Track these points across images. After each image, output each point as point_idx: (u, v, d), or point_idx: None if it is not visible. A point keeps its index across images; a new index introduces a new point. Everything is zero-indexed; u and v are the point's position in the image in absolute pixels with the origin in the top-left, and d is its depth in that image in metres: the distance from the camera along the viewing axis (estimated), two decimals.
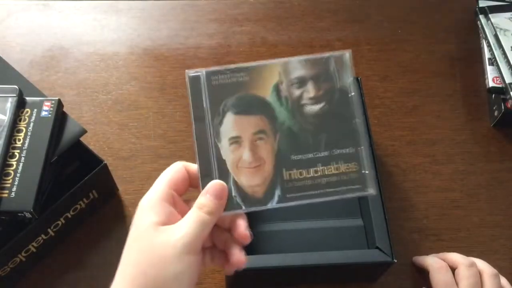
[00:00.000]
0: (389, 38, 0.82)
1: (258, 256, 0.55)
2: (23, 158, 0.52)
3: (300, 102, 0.43)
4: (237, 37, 0.81)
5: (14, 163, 0.52)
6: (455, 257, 0.58)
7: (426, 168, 0.70)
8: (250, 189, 0.41)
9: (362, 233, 0.61)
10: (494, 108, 0.74)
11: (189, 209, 0.40)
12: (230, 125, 0.42)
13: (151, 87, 0.75)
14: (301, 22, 0.83)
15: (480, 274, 0.56)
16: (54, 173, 0.57)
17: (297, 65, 0.43)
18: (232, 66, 0.43)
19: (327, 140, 0.42)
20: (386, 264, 0.55)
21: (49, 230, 0.57)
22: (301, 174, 0.42)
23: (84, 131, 0.57)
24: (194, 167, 0.42)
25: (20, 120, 0.54)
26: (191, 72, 0.43)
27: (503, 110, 0.71)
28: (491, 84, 0.73)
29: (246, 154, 0.42)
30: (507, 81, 0.70)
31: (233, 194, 0.41)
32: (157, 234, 0.38)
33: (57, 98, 0.56)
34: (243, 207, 0.41)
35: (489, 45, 0.75)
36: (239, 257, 0.41)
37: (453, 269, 0.57)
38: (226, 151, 0.42)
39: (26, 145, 0.53)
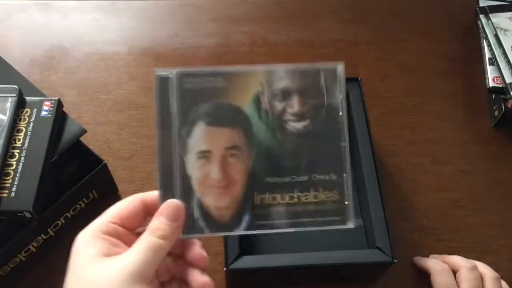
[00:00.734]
0: (389, 38, 0.82)
1: (258, 256, 0.55)
2: (23, 158, 0.52)
3: (282, 117, 0.38)
4: (237, 37, 0.81)
5: (14, 163, 0.52)
6: (457, 260, 0.58)
7: (426, 168, 0.70)
8: (216, 212, 0.37)
9: (362, 233, 0.61)
10: (494, 108, 0.74)
11: None
12: (200, 137, 0.37)
13: (151, 87, 0.74)
14: (301, 22, 0.83)
15: (481, 277, 0.56)
16: (54, 173, 0.57)
17: (282, 75, 0.38)
18: (209, 69, 0.37)
19: (308, 163, 0.37)
20: (386, 264, 0.55)
21: (49, 230, 0.57)
22: (274, 199, 0.37)
23: (84, 131, 0.57)
24: (152, 196, 0.37)
25: (20, 120, 0.54)
26: (160, 72, 0.37)
27: (503, 110, 0.71)
28: (491, 84, 0.73)
29: (215, 171, 0.37)
30: (507, 81, 0.70)
31: (195, 216, 0.36)
32: (99, 265, 0.33)
33: (57, 98, 0.56)
34: (205, 232, 0.36)
35: (489, 45, 0.75)
36: (201, 282, 0.36)
37: (454, 272, 0.57)
38: (193, 166, 0.36)
39: (26, 145, 0.53)
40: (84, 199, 0.59)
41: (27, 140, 0.53)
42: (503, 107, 0.71)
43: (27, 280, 0.59)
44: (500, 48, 0.73)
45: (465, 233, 0.65)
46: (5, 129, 0.53)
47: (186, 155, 0.37)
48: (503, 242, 0.65)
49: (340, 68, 0.39)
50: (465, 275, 0.55)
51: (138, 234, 0.36)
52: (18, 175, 0.51)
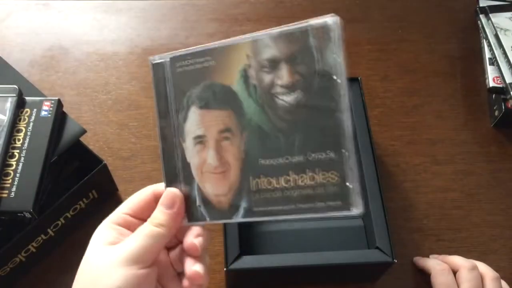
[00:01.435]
0: (389, 38, 0.82)
1: (258, 256, 0.55)
2: (22, 158, 0.52)
3: (271, 91, 0.34)
4: None
5: (14, 163, 0.52)
6: (457, 260, 0.58)
7: (426, 168, 0.70)
8: (215, 199, 0.36)
9: (362, 233, 0.61)
10: (494, 108, 0.74)
11: None
12: (195, 121, 0.36)
13: (151, 87, 0.75)
14: None
15: (481, 277, 0.56)
16: (54, 173, 0.57)
17: (268, 43, 0.34)
18: (196, 48, 0.35)
19: (302, 141, 0.33)
20: (386, 264, 0.55)
21: (49, 230, 0.57)
22: (269, 183, 0.34)
23: (84, 131, 0.57)
24: (162, 188, 0.38)
25: (19, 120, 0.54)
26: (155, 59, 0.36)
27: (503, 110, 0.71)
28: (491, 84, 0.73)
29: (211, 156, 0.36)
30: (507, 81, 0.70)
31: (198, 203, 0.36)
32: (102, 253, 0.35)
33: (56, 98, 0.56)
34: (208, 219, 0.36)
35: (489, 45, 0.75)
36: (192, 271, 0.36)
37: (454, 272, 0.57)
38: (191, 152, 0.36)
39: (25, 145, 0.53)
40: (84, 199, 0.59)
41: (27, 140, 0.53)
42: (503, 107, 0.71)
43: (27, 280, 0.59)
44: (500, 48, 0.73)
45: (465, 233, 0.65)
46: (5, 129, 0.53)
47: (185, 141, 0.36)
48: (503, 242, 0.65)
49: (332, 22, 0.32)
50: (465, 275, 0.55)
51: None
52: (18, 175, 0.51)
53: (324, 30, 0.33)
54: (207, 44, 0.35)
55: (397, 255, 0.54)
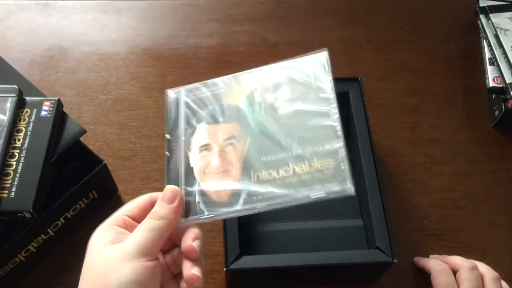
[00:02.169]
0: (389, 38, 0.82)
1: (258, 256, 0.55)
2: (22, 158, 0.52)
3: (274, 105, 0.41)
4: (237, 37, 0.81)
5: (14, 163, 0.52)
6: (457, 260, 0.58)
7: (426, 168, 0.70)
8: (215, 194, 0.39)
9: (362, 233, 0.61)
10: (494, 108, 0.74)
11: None
12: (202, 134, 0.41)
13: (151, 87, 0.75)
14: (301, 22, 0.83)
15: (481, 277, 0.56)
16: (54, 173, 0.57)
17: (272, 72, 0.42)
18: (209, 81, 0.43)
19: (301, 138, 0.40)
20: (386, 264, 0.55)
21: (49, 230, 0.57)
22: (270, 175, 0.39)
23: (84, 131, 0.57)
24: (159, 195, 0.40)
25: (19, 120, 0.54)
26: (172, 93, 0.43)
27: (503, 110, 0.71)
28: (491, 84, 0.73)
29: (214, 159, 0.40)
30: (507, 81, 0.70)
31: (197, 200, 0.39)
32: (105, 251, 0.36)
33: (56, 98, 0.56)
34: (206, 212, 0.39)
35: (489, 45, 0.75)
36: (190, 274, 0.37)
37: (454, 272, 0.57)
38: (196, 158, 0.41)
39: (26, 145, 0.53)
40: (84, 199, 0.59)
41: (27, 140, 0.53)
42: (503, 107, 0.71)
43: (27, 280, 0.59)
44: (500, 48, 0.73)
45: (465, 233, 0.65)
46: (5, 129, 0.53)
47: (191, 150, 0.41)
48: (503, 242, 0.65)
49: (324, 56, 0.42)
50: (465, 275, 0.55)
51: None
52: (18, 175, 0.51)
53: (318, 60, 0.42)
54: (219, 77, 0.43)
55: (397, 255, 0.54)
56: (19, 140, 0.53)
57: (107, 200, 0.64)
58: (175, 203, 0.38)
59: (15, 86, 0.55)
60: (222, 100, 0.42)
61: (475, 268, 0.56)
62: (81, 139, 0.58)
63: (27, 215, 0.50)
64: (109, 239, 0.37)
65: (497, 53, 0.73)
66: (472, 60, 0.80)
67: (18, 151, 0.52)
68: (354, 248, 0.59)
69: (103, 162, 0.58)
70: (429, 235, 0.65)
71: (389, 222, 0.57)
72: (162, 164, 0.66)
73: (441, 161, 0.71)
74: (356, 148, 0.63)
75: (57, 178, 0.58)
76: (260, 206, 0.38)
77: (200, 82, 0.43)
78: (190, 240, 0.38)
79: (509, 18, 0.76)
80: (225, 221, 0.56)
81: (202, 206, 0.39)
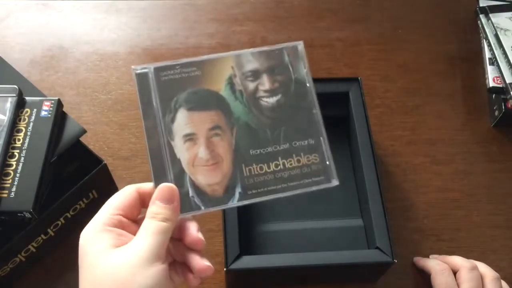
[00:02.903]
0: (389, 38, 0.82)
1: (258, 256, 0.55)
2: (22, 158, 0.52)
3: (255, 95, 0.41)
4: (237, 37, 0.81)
5: (14, 163, 0.52)
6: (457, 260, 0.58)
7: (426, 168, 0.70)
8: (209, 188, 0.39)
9: (362, 233, 0.61)
10: (494, 108, 0.74)
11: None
12: (183, 122, 0.39)
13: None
14: (301, 22, 0.83)
15: (481, 277, 0.56)
16: (54, 173, 0.57)
17: (250, 58, 0.41)
18: (182, 60, 0.41)
19: (287, 133, 0.41)
20: (386, 264, 0.55)
21: (49, 230, 0.57)
22: (261, 169, 0.40)
23: (84, 131, 0.57)
24: (147, 186, 0.39)
25: (19, 120, 0.54)
26: (138, 69, 0.40)
27: (503, 110, 0.71)
28: (491, 84, 0.73)
29: (202, 151, 0.39)
30: (507, 81, 0.70)
31: (190, 194, 0.38)
32: (114, 256, 0.35)
33: (56, 98, 0.56)
34: (202, 208, 0.38)
35: (489, 45, 0.75)
36: (201, 265, 0.38)
37: (454, 272, 0.57)
38: (181, 149, 0.39)
39: (25, 145, 0.53)
40: (84, 199, 0.59)
41: (27, 140, 0.53)
42: (503, 107, 0.71)
43: (27, 280, 0.59)
44: (500, 48, 0.73)
45: (465, 233, 0.65)
46: (5, 129, 0.53)
47: (173, 139, 0.39)
48: (503, 242, 0.65)
49: (301, 46, 0.42)
50: (465, 275, 0.55)
51: (138, 223, 0.39)
52: (18, 175, 0.51)
53: (295, 50, 0.42)
54: (192, 57, 0.41)
55: (397, 255, 0.54)
56: (19, 140, 0.53)
57: (107, 200, 0.64)
58: (175, 203, 0.37)
59: (15, 86, 0.55)
60: (200, 84, 0.40)
61: (475, 268, 0.56)
62: (81, 139, 0.58)
63: (27, 215, 0.50)
64: (110, 242, 0.36)
65: (497, 53, 0.73)
66: (472, 60, 0.80)
67: (18, 151, 0.52)
68: (354, 248, 0.59)
69: (103, 162, 0.58)
70: (429, 235, 0.65)
71: (389, 222, 0.57)
72: None
73: (441, 161, 0.71)
74: (356, 148, 0.63)
75: (57, 178, 0.58)
76: (255, 201, 0.39)
77: (172, 61, 0.41)
78: (195, 231, 0.38)
79: (509, 18, 0.76)
80: (225, 221, 0.56)
81: (197, 201, 0.39)
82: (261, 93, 0.41)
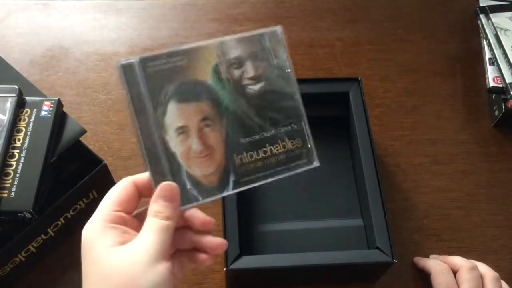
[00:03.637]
0: (389, 38, 0.82)
1: (258, 256, 0.55)
2: (22, 158, 0.52)
3: (241, 83, 0.42)
4: None
5: (14, 163, 0.52)
6: (457, 260, 0.58)
7: (426, 168, 0.70)
8: (204, 179, 0.40)
9: (362, 233, 0.61)
10: (494, 108, 0.74)
11: (142, 223, 0.37)
12: (174, 114, 0.39)
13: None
14: (301, 22, 0.83)
15: (481, 277, 0.56)
16: (54, 173, 0.57)
17: (232, 45, 0.42)
18: (167, 50, 0.40)
19: (272, 119, 0.42)
20: (386, 264, 0.55)
21: (49, 230, 0.57)
22: (251, 156, 0.41)
23: (84, 131, 0.57)
24: (143, 177, 0.40)
25: (19, 120, 0.54)
26: (123, 60, 0.39)
27: (503, 110, 0.71)
28: (491, 84, 0.73)
29: (195, 143, 0.40)
30: (507, 81, 0.70)
31: (188, 187, 0.39)
32: (119, 254, 0.36)
33: (56, 98, 0.56)
34: (200, 199, 0.40)
35: (489, 45, 0.75)
36: (217, 241, 0.40)
37: (454, 272, 0.57)
38: (175, 142, 0.39)
39: (25, 145, 0.53)
40: (84, 199, 0.59)
41: (27, 140, 0.53)
42: (503, 107, 0.71)
43: (27, 280, 0.59)
44: (500, 48, 0.73)
45: (465, 233, 0.65)
46: (5, 129, 0.53)
47: (166, 133, 0.39)
48: (503, 242, 0.65)
49: (279, 30, 0.43)
50: (465, 275, 0.55)
51: (137, 217, 0.40)
52: (18, 175, 0.51)
53: (275, 35, 0.42)
54: (176, 46, 0.40)
55: (397, 255, 0.54)
56: (19, 140, 0.53)
57: None
58: (176, 202, 0.38)
59: (15, 86, 0.55)
60: (187, 75, 0.40)
61: (475, 268, 0.56)
62: (81, 139, 0.58)
63: (27, 215, 0.50)
64: (116, 240, 0.36)
65: (497, 53, 0.73)
66: (472, 60, 0.80)
67: (18, 151, 0.52)
68: (354, 248, 0.59)
69: (103, 162, 0.58)
70: (429, 235, 0.65)
71: (389, 222, 0.57)
72: None
73: (441, 161, 0.71)
74: (356, 148, 0.63)
75: (57, 178, 0.58)
76: (247, 187, 0.41)
77: (157, 51, 0.40)
78: (201, 214, 0.40)
79: (509, 18, 0.77)
80: (225, 221, 0.56)
81: (195, 193, 0.39)
82: (246, 81, 0.42)
